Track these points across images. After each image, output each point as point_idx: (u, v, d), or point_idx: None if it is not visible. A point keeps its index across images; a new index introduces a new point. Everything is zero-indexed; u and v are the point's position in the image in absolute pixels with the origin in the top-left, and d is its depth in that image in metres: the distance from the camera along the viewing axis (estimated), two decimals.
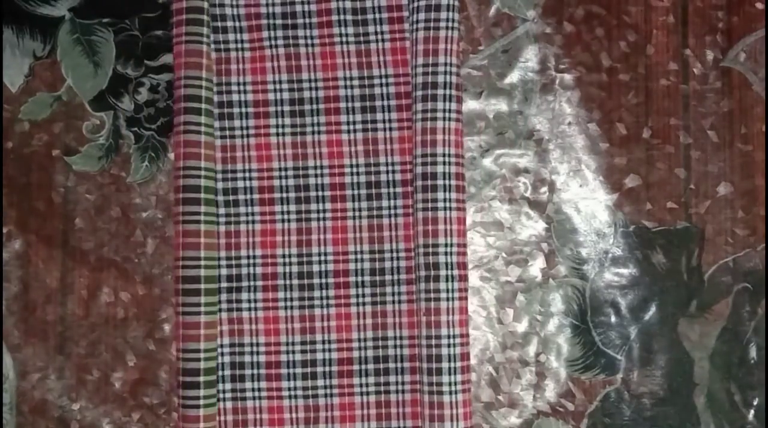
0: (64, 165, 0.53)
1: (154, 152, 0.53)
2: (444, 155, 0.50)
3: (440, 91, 0.50)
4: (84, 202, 0.53)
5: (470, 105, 0.53)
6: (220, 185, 0.51)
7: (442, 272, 0.49)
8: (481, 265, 0.53)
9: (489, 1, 0.53)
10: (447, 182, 0.50)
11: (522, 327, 0.53)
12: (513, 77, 0.53)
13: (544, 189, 0.53)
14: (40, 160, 0.53)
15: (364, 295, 0.51)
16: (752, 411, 0.52)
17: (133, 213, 0.53)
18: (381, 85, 0.51)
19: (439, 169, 0.50)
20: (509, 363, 0.53)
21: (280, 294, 0.51)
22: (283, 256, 0.51)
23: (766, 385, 0.52)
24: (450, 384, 0.48)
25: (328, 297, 0.51)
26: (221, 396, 0.51)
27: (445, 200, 0.50)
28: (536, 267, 0.53)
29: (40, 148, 0.53)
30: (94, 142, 0.53)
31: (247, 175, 0.51)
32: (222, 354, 0.51)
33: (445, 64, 0.50)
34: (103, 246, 0.53)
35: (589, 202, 0.53)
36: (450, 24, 0.50)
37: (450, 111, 0.50)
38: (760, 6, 0.53)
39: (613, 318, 0.52)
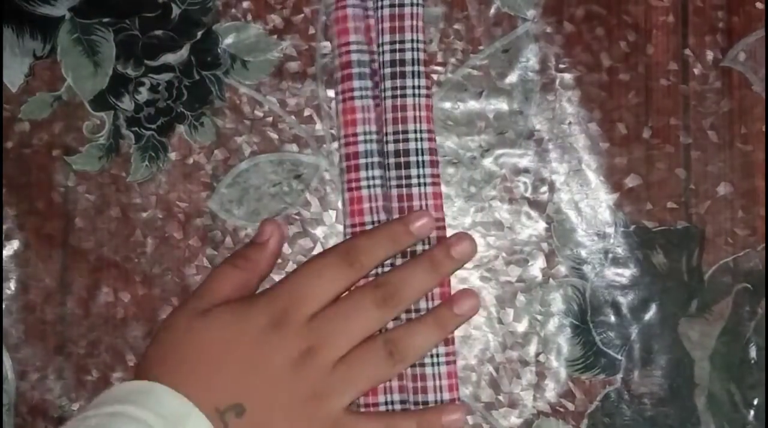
0: (64, 165, 0.53)
1: (155, 152, 0.53)
2: (416, 131, 0.51)
3: (408, 68, 0.51)
4: (84, 201, 0.53)
5: (470, 105, 0.53)
6: None
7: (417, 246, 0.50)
8: (481, 265, 0.53)
9: (489, 1, 0.53)
10: (420, 158, 0.50)
11: (522, 327, 0.53)
12: (513, 77, 0.53)
13: (545, 189, 0.53)
14: (39, 159, 0.53)
15: None
16: (752, 412, 0.52)
17: (133, 213, 0.53)
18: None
19: (411, 145, 0.51)
20: (509, 363, 0.52)
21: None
22: None
23: (767, 385, 0.52)
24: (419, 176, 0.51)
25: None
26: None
27: (419, 176, 0.51)
28: (536, 267, 0.53)
29: (40, 147, 0.53)
30: (95, 142, 0.53)
31: None
32: None
33: (412, 41, 0.51)
34: (102, 246, 0.53)
35: (589, 202, 0.53)
36: (415, 0, 0.51)
37: (419, 87, 0.51)
38: (760, 6, 0.53)
39: (613, 318, 0.52)
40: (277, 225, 0.51)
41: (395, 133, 0.51)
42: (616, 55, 0.53)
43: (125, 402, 0.44)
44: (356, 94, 0.51)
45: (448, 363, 0.50)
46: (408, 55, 0.51)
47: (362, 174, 0.51)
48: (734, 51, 0.53)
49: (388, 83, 0.51)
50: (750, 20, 0.53)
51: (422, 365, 0.50)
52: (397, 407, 0.50)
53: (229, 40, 0.53)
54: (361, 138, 0.51)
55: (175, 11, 0.53)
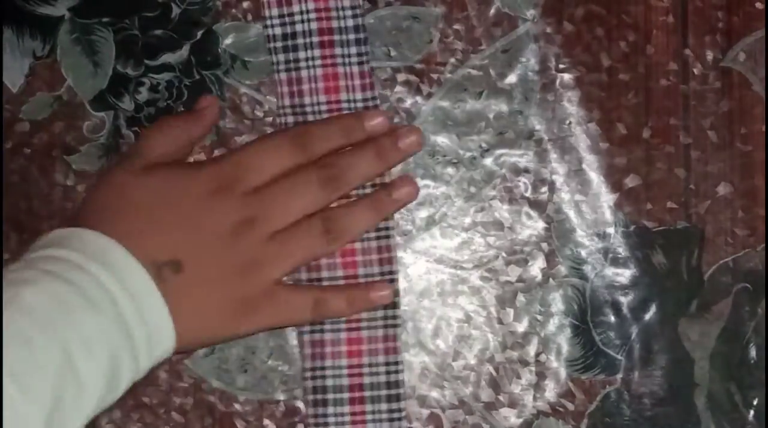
0: (64, 164, 0.53)
1: None
2: (312, 104, 0.52)
3: (300, 41, 0.52)
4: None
5: (470, 105, 0.53)
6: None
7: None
8: (481, 265, 0.53)
9: (489, 1, 0.53)
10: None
11: (522, 327, 0.53)
12: (513, 77, 0.53)
13: (545, 189, 0.53)
14: (40, 159, 0.53)
15: None
16: (752, 412, 0.52)
17: None
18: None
19: (310, 118, 0.52)
20: (509, 363, 0.52)
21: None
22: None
23: (766, 385, 0.52)
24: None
25: None
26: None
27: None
28: (536, 267, 0.53)
29: (40, 147, 0.53)
30: (95, 142, 0.53)
31: None
32: None
33: (301, 13, 0.52)
34: None
35: (589, 202, 0.53)
36: None
37: (313, 58, 0.52)
38: (760, 6, 0.53)
39: (613, 318, 0.52)
40: (215, 99, 0.52)
41: (292, 106, 0.52)
42: (616, 55, 0.53)
43: (48, 246, 0.44)
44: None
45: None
46: (299, 27, 0.52)
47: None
48: (734, 51, 0.53)
49: (281, 57, 0.52)
50: (750, 20, 0.53)
51: (358, 329, 0.51)
52: (382, 368, 0.51)
53: (229, 40, 0.53)
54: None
55: (175, 11, 0.53)
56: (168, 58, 0.53)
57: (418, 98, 0.53)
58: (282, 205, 0.49)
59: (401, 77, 0.53)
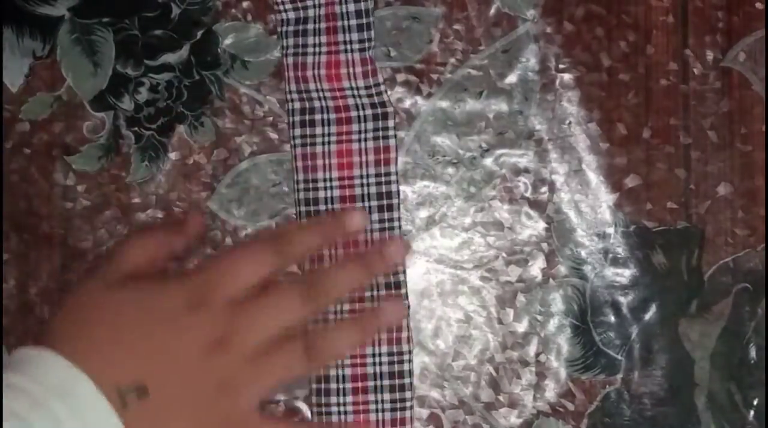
0: (64, 164, 0.53)
1: (154, 152, 0.53)
2: (318, 90, 0.52)
3: (310, 26, 0.52)
4: (83, 201, 0.53)
5: (470, 105, 0.53)
6: None
7: (321, 207, 0.52)
8: (481, 265, 0.53)
9: (489, 1, 0.53)
10: (325, 116, 0.52)
11: (522, 327, 0.53)
12: (513, 77, 0.53)
13: (545, 189, 0.53)
14: (39, 159, 0.53)
15: None
16: (752, 411, 0.52)
17: (132, 212, 0.53)
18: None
19: (316, 104, 0.52)
20: (509, 363, 0.52)
21: None
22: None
23: (767, 385, 0.52)
24: None
25: None
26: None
27: (323, 135, 0.52)
28: (536, 267, 0.53)
29: (40, 147, 0.53)
30: (94, 142, 0.53)
31: None
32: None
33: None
34: (102, 246, 0.53)
35: (589, 202, 0.53)
36: None
37: (320, 44, 0.52)
38: (760, 6, 0.53)
39: (613, 318, 0.52)
40: (200, 214, 0.52)
41: (299, 91, 0.52)
42: (616, 55, 0.53)
43: (13, 370, 0.42)
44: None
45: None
46: (311, 12, 0.52)
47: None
48: (734, 51, 0.53)
49: (291, 41, 0.52)
50: (750, 20, 0.53)
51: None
52: (385, 359, 0.51)
53: (229, 40, 0.53)
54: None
55: (175, 11, 0.53)
56: (168, 58, 0.53)
57: (418, 98, 0.53)
58: (258, 323, 0.45)
59: (401, 77, 0.53)
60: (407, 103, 0.53)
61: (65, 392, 0.41)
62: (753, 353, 0.52)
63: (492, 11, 0.53)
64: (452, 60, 0.53)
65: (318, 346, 0.46)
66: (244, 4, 0.53)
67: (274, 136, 0.53)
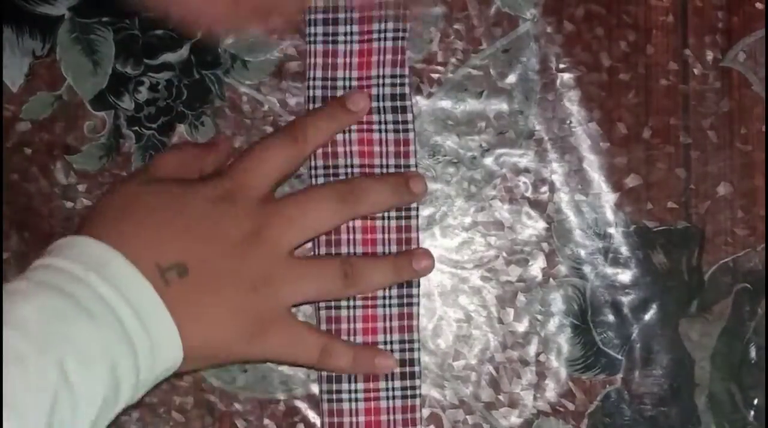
0: (65, 164, 0.53)
1: (155, 151, 0.53)
2: (345, 79, 0.52)
3: (341, 15, 0.52)
4: (84, 201, 0.53)
5: (470, 105, 0.53)
6: None
7: None
8: (481, 265, 0.53)
9: (489, 1, 0.53)
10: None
11: (522, 326, 0.53)
12: (513, 77, 0.53)
13: (545, 188, 0.53)
14: (40, 159, 0.53)
15: None
16: (753, 412, 0.52)
17: None
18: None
19: (339, 92, 0.52)
20: (509, 363, 0.52)
21: None
22: None
23: (767, 385, 0.52)
24: None
25: None
26: None
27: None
28: (537, 267, 0.53)
29: (41, 147, 0.53)
30: (95, 142, 0.53)
31: None
32: None
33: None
34: None
35: (589, 202, 0.53)
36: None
37: (351, 33, 0.52)
38: (760, 6, 0.53)
39: (613, 318, 0.52)
40: (227, 140, 0.52)
41: (324, 78, 0.52)
42: (616, 55, 0.53)
43: (49, 255, 0.43)
44: None
45: (400, 305, 0.51)
46: (341, 1, 0.52)
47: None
48: (734, 51, 0.53)
49: (320, 29, 0.52)
50: (750, 20, 0.53)
51: (374, 306, 0.51)
52: (396, 346, 0.51)
53: (229, 40, 0.53)
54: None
55: None
56: (168, 57, 0.53)
57: (419, 98, 0.53)
58: (294, 221, 0.48)
59: None
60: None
61: (105, 270, 0.42)
62: (753, 353, 0.52)
63: (492, 11, 0.53)
64: (453, 60, 0.53)
65: (355, 274, 0.49)
66: None
67: None
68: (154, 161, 0.50)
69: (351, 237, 0.51)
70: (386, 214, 0.51)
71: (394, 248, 0.51)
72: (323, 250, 0.51)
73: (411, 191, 0.51)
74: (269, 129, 0.53)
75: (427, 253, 0.51)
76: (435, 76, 0.53)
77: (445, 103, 0.53)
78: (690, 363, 0.52)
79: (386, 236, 0.51)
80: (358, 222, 0.51)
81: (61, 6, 0.53)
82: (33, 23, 0.53)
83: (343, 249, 0.51)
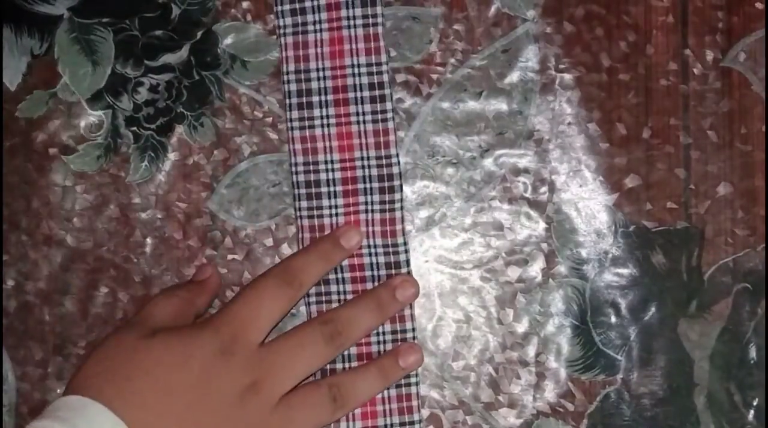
0: (62, 164, 0.53)
1: (154, 152, 0.53)
2: (318, 70, 0.52)
3: (308, 3, 0.52)
4: (82, 201, 0.53)
5: (470, 105, 0.53)
6: None
7: (322, 189, 0.52)
8: (480, 265, 0.53)
9: (489, 1, 0.53)
10: (323, 98, 0.52)
11: (522, 327, 0.53)
12: (513, 77, 0.53)
13: (544, 189, 0.53)
14: (37, 158, 0.53)
15: None
16: (752, 412, 0.52)
17: (132, 213, 0.53)
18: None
19: (314, 84, 0.52)
20: (509, 364, 0.52)
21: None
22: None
23: (766, 385, 0.52)
24: None
25: None
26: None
27: (321, 117, 0.52)
28: (536, 267, 0.53)
29: (38, 146, 0.53)
30: (93, 142, 0.53)
31: None
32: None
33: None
34: (101, 246, 0.53)
35: (589, 202, 0.53)
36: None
37: (320, 21, 0.52)
38: (760, 6, 0.53)
39: (613, 319, 0.52)
40: (215, 268, 0.52)
41: (296, 71, 0.52)
42: (615, 55, 0.53)
43: (56, 418, 0.43)
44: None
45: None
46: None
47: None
48: (734, 51, 0.53)
49: (289, 20, 0.52)
50: (750, 20, 0.53)
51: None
52: (389, 336, 0.52)
53: (228, 40, 0.53)
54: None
55: (175, 11, 0.53)
56: (168, 58, 0.53)
57: (418, 98, 0.53)
58: (287, 367, 0.48)
59: (401, 77, 0.53)
60: (407, 104, 0.53)
61: None
62: (753, 353, 0.52)
63: (492, 11, 0.53)
64: (452, 60, 0.53)
65: (343, 392, 0.50)
66: (244, 5, 0.53)
67: (273, 136, 0.53)
68: (150, 310, 0.49)
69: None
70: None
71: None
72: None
73: (398, 301, 0.51)
74: (269, 129, 0.53)
75: (414, 348, 0.51)
76: (434, 76, 0.53)
77: (445, 104, 0.53)
78: (689, 364, 0.52)
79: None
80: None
81: (61, 6, 0.53)
82: (32, 22, 0.53)
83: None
